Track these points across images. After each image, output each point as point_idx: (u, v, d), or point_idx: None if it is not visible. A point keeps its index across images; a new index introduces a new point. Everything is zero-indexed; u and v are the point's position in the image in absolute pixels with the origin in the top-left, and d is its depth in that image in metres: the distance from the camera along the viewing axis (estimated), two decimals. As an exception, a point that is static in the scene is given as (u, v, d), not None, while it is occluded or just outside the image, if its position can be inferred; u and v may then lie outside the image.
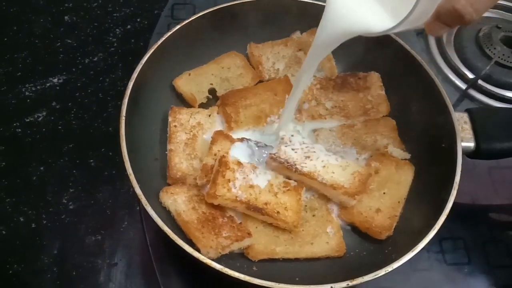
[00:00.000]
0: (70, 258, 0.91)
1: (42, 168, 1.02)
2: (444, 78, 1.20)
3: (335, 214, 0.87)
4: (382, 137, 0.95)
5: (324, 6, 1.02)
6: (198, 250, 0.73)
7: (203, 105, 1.00)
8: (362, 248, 0.85)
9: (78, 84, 1.16)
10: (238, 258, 0.81)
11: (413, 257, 0.75)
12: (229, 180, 0.80)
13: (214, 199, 0.79)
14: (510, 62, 1.20)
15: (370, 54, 1.06)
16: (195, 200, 0.82)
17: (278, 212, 0.80)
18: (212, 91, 1.01)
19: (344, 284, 0.69)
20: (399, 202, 0.87)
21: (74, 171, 1.02)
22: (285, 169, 0.85)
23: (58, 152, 1.04)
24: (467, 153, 0.90)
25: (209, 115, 0.95)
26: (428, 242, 0.77)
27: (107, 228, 0.95)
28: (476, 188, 1.03)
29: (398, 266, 0.73)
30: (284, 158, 0.85)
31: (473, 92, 1.18)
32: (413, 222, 0.85)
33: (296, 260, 0.82)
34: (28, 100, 1.12)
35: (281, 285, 0.68)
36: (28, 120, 1.09)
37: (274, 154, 0.86)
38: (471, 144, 0.89)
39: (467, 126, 0.90)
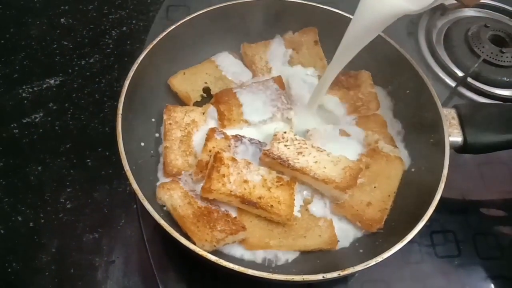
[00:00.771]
0: (68, 256, 0.92)
1: (40, 168, 1.03)
2: (434, 76, 1.22)
3: (328, 207, 0.88)
4: (373, 133, 0.97)
5: (317, 7, 1.06)
6: (194, 244, 0.74)
7: (197, 104, 1.02)
8: (354, 241, 0.87)
9: (75, 85, 1.17)
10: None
11: (404, 250, 0.77)
12: (223, 175, 0.82)
13: (209, 193, 0.81)
14: (498, 60, 1.22)
15: (361, 52, 1.08)
16: (190, 195, 0.83)
17: (271, 206, 0.82)
18: (206, 90, 1.03)
19: (336, 273, 0.70)
20: (389, 195, 0.89)
21: (72, 171, 1.03)
22: (278, 164, 0.87)
23: (55, 152, 1.05)
24: (455, 148, 0.92)
25: (203, 113, 0.96)
26: (420, 236, 0.79)
27: (104, 226, 0.96)
28: (466, 183, 1.05)
29: (389, 257, 0.74)
30: (277, 154, 0.87)
31: (462, 90, 1.20)
32: (403, 214, 0.87)
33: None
34: (26, 102, 1.13)
35: (275, 275, 0.70)
36: (25, 121, 1.10)
37: (268, 150, 0.88)
38: (458, 139, 0.91)
39: (455, 122, 0.92)
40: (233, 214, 0.84)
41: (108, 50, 1.24)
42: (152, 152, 0.93)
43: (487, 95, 1.19)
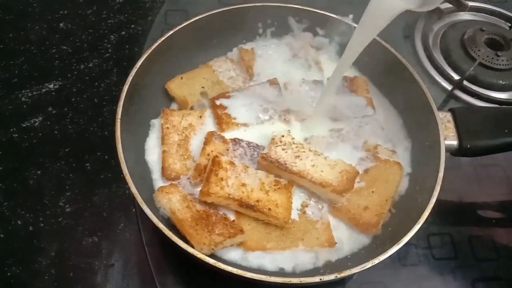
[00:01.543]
0: (67, 260, 0.92)
1: (39, 172, 1.03)
2: (430, 79, 1.23)
3: (326, 210, 0.89)
4: (371, 138, 0.97)
5: (314, 13, 1.07)
6: (192, 247, 0.74)
7: (195, 108, 1.02)
8: (351, 243, 0.87)
9: (74, 90, 1.17)
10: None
11: (401, 252, 0.77)
12: (222, 179, 0.83)
13: (207, 197, 0.82)
14: (494, 64, 1.23)
15: (358, 57, 1.09)
16: (189, 199, 0.84)
17: (269, 209, 0.82)
18: (204, 94, 1.03)
19: (333, 276, 0.71)
20: (386, 200, 0.89)
21: (71, 175, 1.03)
22: (276, 168, 0.87)
23: (54, 156, 1.06)
24: (451, 151, 0.92)
25: (200, 116, 0.97)
26: (416, 238, 0.79)
27: (103, 230, 0.96)
28: (462, 185, 1.06)
29: (385, 259, 0.74)
30: (274, 158, 0.88)
31: (458, 93, 1.21)
32: (400, 218, 0.87)
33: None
34: (25, 106, 1.13)
35: (273, 277, 0.70)
36: (24, 125, 1.10)
37: (265, 154, 0.88)
38: (454, 142, 0.91)
39: (451, 125, 0.92)
40: (231, 217, 0.84)
41: (107, 55, 1.25)
42: (151, 156, 0.94)
43: (483, 98, 1.20)
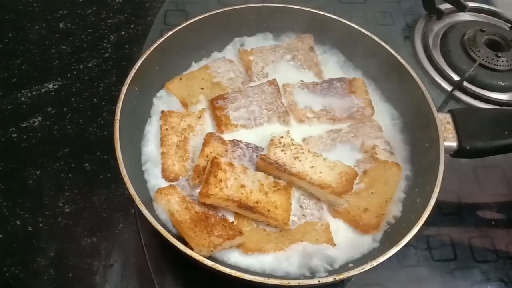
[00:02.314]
0: (66, 260, 0.93)
1: (38, 172, 1.03)
2: (430, 80, 1.23)
3: (325, 211, 0.89)
4: (369, 139, 0.98)
5: (314, 13, 1.07)
6: (191, 249, 0.74)
7: (194, 109, 1.02)
8: (350, 245, 0.87)
9: (73, 90, 1.17)
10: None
11: (401, 254, 0.77)
12: (221, 180, 0.83)
13: (206, 198, 0.82)
14: (494, 64, 1.23)
15: (357, 58, 1.10)
16: (188, 200, 0.84)
17: (268, 210, 0.82)
18: (203, 95, 1.03)
19: (331, 278, 0.71)
20: (386, 201, 0.89)
21: (70, 175, 1.03)
22: (275, 169, 0.87)
23: (53, 156, 1.06)
24: (450, 152, 0.92)
25: (199, 117, 0.97)
26: (416, 239, 0.79)
27: (102, 230, 0.96)
28: (462, 186, 1.06)
29: (385, 260, 0.74)
30: (273, 159, 0.88)
31: (458, 94, 1.21)
32: (399, 219, 0.87)
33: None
34: (24, 106, 1.14)
35: (271, 279, 0.70)
36: (24, 125, 1.10)
37: (264, 155, 0.88)
38: (453, 144, 0.91)
39: (450, 126, 0.92)
40: (230, 219, 0.84)
41: (106, 55, 1.25)
42: (150, 157, 0.94)
43: (483, 99, 1.20)
